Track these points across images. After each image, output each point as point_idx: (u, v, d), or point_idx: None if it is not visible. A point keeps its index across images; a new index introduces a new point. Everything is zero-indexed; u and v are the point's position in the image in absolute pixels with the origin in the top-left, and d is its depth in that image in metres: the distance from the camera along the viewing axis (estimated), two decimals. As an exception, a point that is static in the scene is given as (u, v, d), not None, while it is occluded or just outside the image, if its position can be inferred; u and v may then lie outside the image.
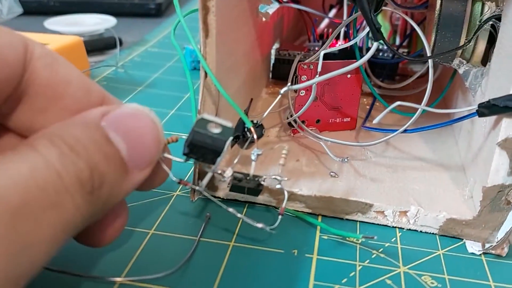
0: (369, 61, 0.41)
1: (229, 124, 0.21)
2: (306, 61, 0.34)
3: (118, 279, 0.23)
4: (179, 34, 0.32)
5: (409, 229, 0.28)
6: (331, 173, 0.31)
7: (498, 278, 0.25)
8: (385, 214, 0.28)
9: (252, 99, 0.30)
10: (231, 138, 0.21)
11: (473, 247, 0.27)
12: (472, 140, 0.31)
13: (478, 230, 0.27)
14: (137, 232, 0.27)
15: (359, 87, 0.36)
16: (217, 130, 0.22)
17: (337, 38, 0.46)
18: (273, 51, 0.46)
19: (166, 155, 0.24)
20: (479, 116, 0.26)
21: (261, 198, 0.29)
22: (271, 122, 0.37)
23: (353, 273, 0.25)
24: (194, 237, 0.26)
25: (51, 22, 0.57)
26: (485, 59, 0.30)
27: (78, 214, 0.16)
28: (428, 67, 0.30)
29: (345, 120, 0.37)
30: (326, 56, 0.32)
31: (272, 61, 0.46)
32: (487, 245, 0.27)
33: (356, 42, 0.35)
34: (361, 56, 0.37)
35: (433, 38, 0.30)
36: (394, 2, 0.36)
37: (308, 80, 0.34)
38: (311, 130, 0.35)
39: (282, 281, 0.24)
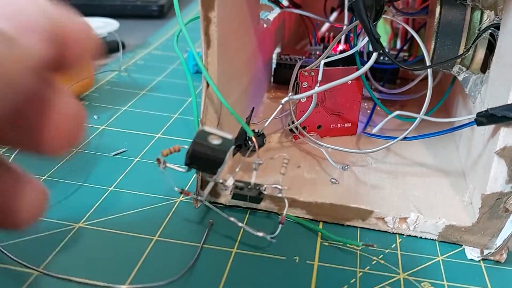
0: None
1: (229, 136, 0.22)
2: (307, 68, 0.34)
3: (122, 286, 0.24)
4: (182, 36, 0.32)
5: (409, 235, 0.29)
6: (332, 180, 0.31)
7: (497, 284, 0.26)
8: (385, 220, 0.29)
9: (253, 108, 0.30)
10: (231, 149, 0.22)
11: (472, 253, 0.28)
12: (472, 147, 0.31)
13: (477, 237, 0.28)
14: (140, 239, 0.27)
15: (359, 92, 0.36)
16: (217, 142, 0.22)
17: (338, 41, 0.46)
18: (274, 56, 0.47)
19: (169, 165, 0.25)
20: (477, 125, 0.26)
21: (263, 205, 0.30)
22: (272, 128, 0.37)
23: (353, 280, 0.25)
24: (197, 243, 0.27)
25: (55, 26, 0.57)
26: (485, 67, 0.30)
27: None
28: (428, 71, 0.31)
29: (346, 125, 0.37)
30: (327, 62, 0.32)
31: (274, 66, 0.46)
32: (486, 252, 0.27)
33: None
34: (362, 61, 0.38)
35: (432, 46, 0.31)
36: (395, 8, 0.36)
37: (309, 86, 0.34)
38: (312, 135, 0.36)
39: (283, 288, 0.24)
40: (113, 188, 0.31)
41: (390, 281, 0.25)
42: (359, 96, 0.36)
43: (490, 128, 0.27)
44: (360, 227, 0.29)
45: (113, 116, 0.41)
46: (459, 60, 0.31)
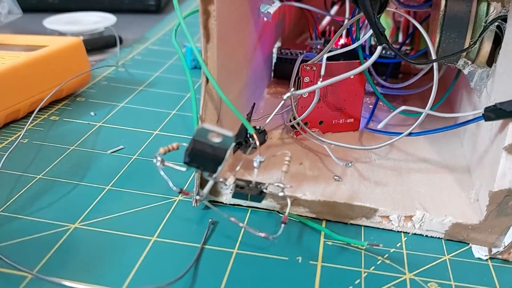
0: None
1: (230, 133, 0.21)
2: (309, 62, 0.34)
3: (120, 289, 0.23)
4: (180, 31, 0.31)
5: (415, 234, 0.28)
6: (335, 177, 0.30)
7: (505, 283, 0.25)
8: (390, 218, 0.28)
9: (254, 104, 0.30)
10: (231, 147, 0.21)
11: (480, 252, 0.27)
12: (477, 142, 0.30)
13: (484, 235, 0.27)
14: (138, 240, 0.26)
15: (362, 87, 0.36)
16: (217, 139, 0.22)
17: (341, 35, 0.45)
18: (274, 50, 0.46)
19: (167, 163, 0.24)
20: (485, 120, 0.25)
21: (265, 203, 0.29)
22: (273, 124, 0.36)
23: (358, 281, 0.25)
24: (197, 244, 0.26)
25: (51, 21, 0.56)
26: (491, 60, 0.29)
27: None
28: (432, 65, 0.30)
29: (348, 121, 0.37)
30: (329, 56, 0.31)
31: (274, 60, 0.46)
32: (494, 250, 0.27)
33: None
34: (364, 55, 0.37)
35: (437, 39, 0.30)
36: (397, 0, 0.35)
37: (311, 81, 0.33)
38: (314, 131, 0.35)
39: (286, 289, 0.24)
40: (110, 187, 0.30)
41: (396, 281, 0.25)
42: (361, 91, 0.36)
43: (497, 123, 0.26)
44: (364, 226, 0.29)
45: (110, 112, 0.40)
46: (464, 53, 0.30)
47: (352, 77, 0.34)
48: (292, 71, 0.35)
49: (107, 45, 0.55)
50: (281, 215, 0.29)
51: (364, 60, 0.35)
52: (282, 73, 0.45)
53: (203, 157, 0.22)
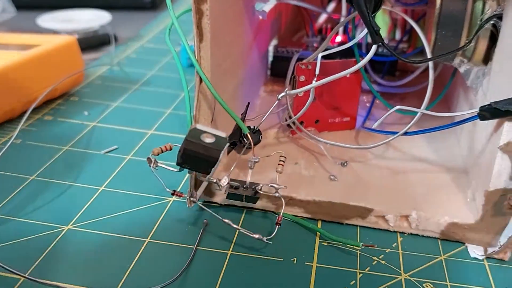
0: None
1: (223, 134, 0.21)
2: (304, 61, 0.33)
3: (113, 292, 0.23)
4: (174, 29, 0.31)
5: (411, 234, 0.28)
6: (331, 177, 0.30)
7: (501, 283, 0.25)
8: (386, 218, 0.28)
9: (249, 104, 0.29)
10: (225, 148, 0.21)
11: (476, 251, 0.27)
12: (474, 141, 0.30)
13: (480, 235, 0.27)
14: (132, 241, 0.26)
15: (358, 85, 0.35)
16: (210, 140, 0.21)
17: (336, 32, 0.45)
18: (271, 48, 0.45)
19: (160, 164, 0.24)
20: (480, 120, 0.25)
21: (260, 204, 0.29)
22: (269, 123, 0.36)
23: (353, 282, 0.24)
24: (191, 245, 0.26)
25: (45, 19, 0.56)
26: (487, 58, 0.29)
27: None
28: (428, 64, 0.29)
29: (344, 119, 0.36)
30: (325, 55, 0.31)
31: (271, 59, 0.45)
32: (489, 250, 0.27)
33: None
34: (361, 53, 0.37)
35: (433, 37, 0.30)
36: (393, -2, 0.35)
37: (306, 80, 0.33)
38: (309, 130, 0.35)
39: (281, 291, 0.24)
40: (104, 188, 0.30)
41: (391, 282, 0.24)
42: (358, 89, 0.35)
43: (493, 122, 0.26)
44: (360, 226, 0.28)
45: (104, 112, 0.40)
46: (460, 52, 0.30)
47: (348, 75, 0.34)
48: (288, 69, 0.34)
49: (101, 43, 0.54)
50: (276, 215, 0.29)
51: (360, 58, 0.35)
52: (278, 71, 0.45)
53: (196, 158, 0.22)
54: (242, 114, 0.30)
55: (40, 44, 0.40)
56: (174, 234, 0.27)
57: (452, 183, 0.30)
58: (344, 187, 0.29)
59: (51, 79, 0.39)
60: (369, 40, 0.42)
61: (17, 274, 0.23)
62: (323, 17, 0.50)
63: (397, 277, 0.25)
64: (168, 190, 0.22)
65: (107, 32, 0.54)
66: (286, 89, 0.28)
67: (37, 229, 0.26)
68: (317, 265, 0.25)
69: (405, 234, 0.28)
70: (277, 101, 0.28)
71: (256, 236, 0.24)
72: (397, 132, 0.30)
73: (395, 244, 0.27)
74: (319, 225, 0.28)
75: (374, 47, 0.26)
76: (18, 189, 0.29)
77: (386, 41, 0.45)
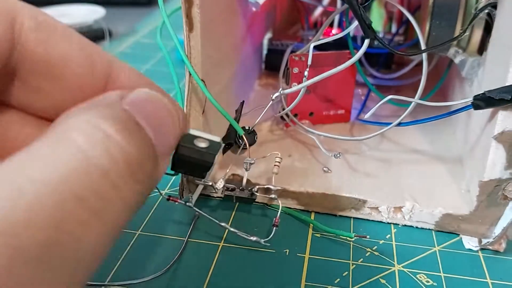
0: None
1: (217, 138, 0.20)
2: (298, 52, 0.33)
3: (102, 284, 0.22)
4: (170, 23, 0.30)
5: (405, 225, 0.28)
6: (324, 169, 0.30)
7: (496, 275, 0.25)
8: (380, 210, 0.28)
9: (243, 102, 0.29)
10: (219, 152, 0.21)
11: (470, 242, 0.27)
12: (468, 132, 0.30)
13: (475, 226, 0.27)
14: (123, 233, 0.26)
15: (353, 78, 0.35)
16: (204, 145, 0.21)
17: (331, 25, 0.44)
18: (265, 41, 0.45)
19: None
20: (474, 109, 0.25)
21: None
22: (263, 116, 0.35)
23: (346, 273, 0.24)
24: (182, 237, 0.26)
25: (39, 14, 0.55)
26: (482, 48, 0.29)
27: (126, 211, 0.14)
28: (422, 55, 0.29)
29: (339, 112, 0.36)
30: (320, 46, 0.31)
31: (265, 52, 0.45)
32: (484, 241, 0.26)
33: (349, 33, 0.34)
34: (356, 46, 0.36)
35: (427, 28, 0.29)
36: (388, -10, 0.35)
37: (300, 72, 0.33)
38: (304, 123, 0.34)
39: (272, 283, 0.23)
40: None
41: (385, 273, 0.24)
42: (352, 82, 0.35)
43: (487, 112, 0.26)
44: (353, 217, 0.28)
45: (98, 106, 0.40)
46: (455, 42, 0.30)
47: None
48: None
49: (95, 38, 0.54)
50: (269, 207, 0.29)
51: (355, 51, 0.35)
52: (273, 64, 0.44)
53: (189, 163, 0.21)
54: (236, 112, 0.30)
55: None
56: (165, 226, 0.26)
57: (447, 174, 0.30)
58: (337, 178, 0.29)
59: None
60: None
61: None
62: (319, 10, 0.50)
63: (391, 268, 0.25)
64: (163, 196, 0.22)
65: (102, 27, 0.54)
66: (280, 89, 0.28)
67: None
68: (310, 256, 0.25)
69: (399, 226, 0.28)
70: (270, 102, 0.28)
71: (253, 238, 0.24)
72: (391, 123, 0.29)
73: (389, 235, 0.27)
74: (313, 217, 0.28)
75: (366, 41, 0.26)
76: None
77: (381, 34, 0.45)
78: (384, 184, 0.29)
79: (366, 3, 0.26)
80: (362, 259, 0.25)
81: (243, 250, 0.25)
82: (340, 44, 0.36)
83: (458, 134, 0.33)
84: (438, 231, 0.27)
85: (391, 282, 0.24)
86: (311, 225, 0.27)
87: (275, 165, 0.26)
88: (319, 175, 0.29)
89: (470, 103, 0.25)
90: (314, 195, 0.28)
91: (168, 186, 0.30)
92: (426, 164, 0.31)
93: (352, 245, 0.26)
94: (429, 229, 0.28)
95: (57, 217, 0.12)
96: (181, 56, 0.51)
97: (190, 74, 0.26)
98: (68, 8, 0.58)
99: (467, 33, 0.28)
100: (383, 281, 0.24)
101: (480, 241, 0.26)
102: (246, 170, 0.26)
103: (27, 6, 0.16)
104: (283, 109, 0.33)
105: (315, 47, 0.33)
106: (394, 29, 0.50)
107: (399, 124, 0.29)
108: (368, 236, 0.25)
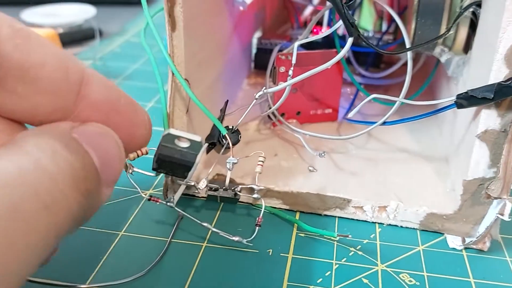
0: (352, 49, 0.40)
1: (198, 138, 0.20)
2: (284, 51, 0.33)
3: (83, 286, 0.22)
4: (158, 22, 0.30)
5: (389, 224, 0.28)
6: (310, 168, 0.30)
7: (479, 274, 0.25)
8: (364, 209, 0.28)
9: (227, 101, 0.29)
10: (200, 152, 0.21)
11: (454, 242, 0.27)
12: (454, 131, 0.30)
13: (459, 225, 0.27)
14: (105, 234, 0.26)
15: (340, 76, 0.35)
16: (185, 144, 0.21)
17: (319, 24, 0.44)
18: (255, 41, 0.45)
19: (136, 169, 0.23)
20: (457, 108, 0.25)
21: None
22: (250, 115, 0.35)
23: (329, 273, 0.24)
24: (165, 238, 0.26)
25: (28, 14, 0.55)
26: (467, 47, 0.29)
27: (70, 217, 0.15)
28: (412, 54, 0.29)
29: (326, 111, 0.36)
30: (308, 45, 0.31)
31: (254, 51, 0.45)
32: (468, 240, 0.26)
33: (336, 31, 0.34)
34: (343, 44, 0.36)
35: (413, 27, 0.29)
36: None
37: (286, 71, 0.33)
38: (291, 122, 0.34)
39: (254, 282, 0.23)
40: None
41: (367, 273, 0.24)
42: (339, 81, 0.35)
43: (471, 110, 0.26)
44: (338, 217, 0.28)
45: (86, 105, 0.40)
46: (441, 40, 0.29)
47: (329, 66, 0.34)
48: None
49: (85, 38, 0.54)
50: (254, 207, 0.28)
51: (341, 49, 0.35)
52: (262, 63, 0.44)
53: (171, 163, 0.21)
54: (221, 111, 0.29)
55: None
56: (148, 227, 0.26)
57: (432, 173, 0.30)
58: (323, 178, 0.29)
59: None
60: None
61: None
62: (309, 9, 0.50)
63: (374, 268, 0.25)
64: (144, 196, 0.22)
65: (92, 26, 0.54)
66: (264, 87, 0.28)
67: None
68: (293, 256, 0.25)
69: (384, 225, 0.28)
70: (254, 101, 0.28)
71: (236, 238, 0.24)
72: (376, 122, 0.29)
73: (373, 235, 0.27)
74: (298, 217, 0.28)
75: (350, 40, 0.26)
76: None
77: (371, 33, 0.45)
78: (369, 183, 0.29)
79: (350, 2, 0.26)
80: (345, 259, 0.25)
81: (226, 250, 0.25)
82: (330, 44, 0.36)
83: (445, 134, 0.33)
84: (422, 230, 0.27)
85: (373, 282, 0.24)
86: (296, 224, 0.27)
87: (258, 165, 0.26)
88: (304, 175, 0.29)
89: (453, 102, 0.25)
90: (299, 194, 0.28)
91: (153, 187, 0.30)
92: (412, 163, 0.31)
93: (336, 244, 0.26)
94: (413, 228, 0.27)
95: (17, 202, 0.14)
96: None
97: (172, 74, 0.26)
98: (59, 8, 0.58)
99: (452, 32, 0.28)
100: (365, 280, 0.24)
101: (464, 240, 0.26)
102: (229, 169, 0.26)
103: (4, 16, 0.17)
104: (270, 108, 0.33)
105: (304, 46, 0.33)
106: (384, 27, 0.50)
107: (384, 123, 0.29)
108: (350, 235, 0.25)
